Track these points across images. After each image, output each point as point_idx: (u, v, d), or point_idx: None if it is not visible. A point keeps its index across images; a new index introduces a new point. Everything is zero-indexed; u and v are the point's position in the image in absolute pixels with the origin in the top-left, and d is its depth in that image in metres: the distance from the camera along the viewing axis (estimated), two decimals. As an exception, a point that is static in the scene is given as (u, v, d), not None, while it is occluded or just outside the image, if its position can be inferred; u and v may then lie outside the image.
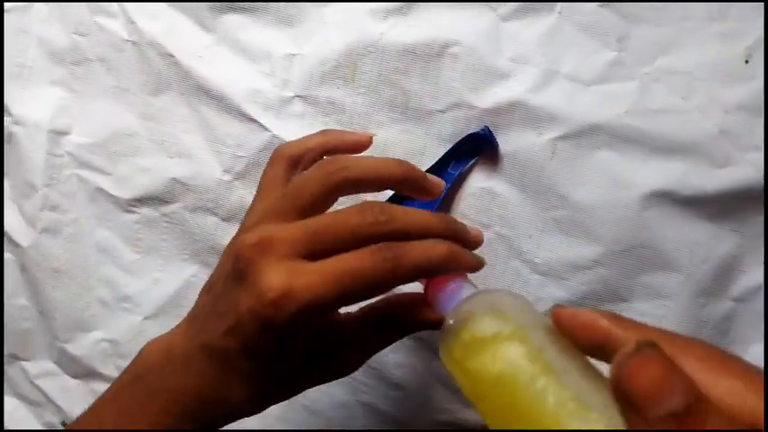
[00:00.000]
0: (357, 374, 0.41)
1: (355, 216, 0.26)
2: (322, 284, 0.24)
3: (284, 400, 0.30)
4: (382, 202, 0.27)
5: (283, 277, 0.24)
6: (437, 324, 0.28)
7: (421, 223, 0.27)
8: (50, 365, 0.45)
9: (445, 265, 0.26)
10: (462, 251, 0.27)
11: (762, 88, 0.35)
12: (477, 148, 0.38)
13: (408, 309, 0.30)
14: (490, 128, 0.38)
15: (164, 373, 0.28)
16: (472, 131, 0.38)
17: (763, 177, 0.35)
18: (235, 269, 0.26)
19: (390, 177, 0.28)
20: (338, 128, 0.40)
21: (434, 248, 0.26)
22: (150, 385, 0.28)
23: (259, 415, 0.42)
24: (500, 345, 0.21)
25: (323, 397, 0.42)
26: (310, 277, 0.24)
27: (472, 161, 0.38)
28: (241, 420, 0.43)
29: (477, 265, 0.28)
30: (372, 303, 0.30)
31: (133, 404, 0.29)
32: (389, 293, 0.29)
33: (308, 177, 0.27)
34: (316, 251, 0.25)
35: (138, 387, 0.29)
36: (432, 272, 0.26)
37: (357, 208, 0.26)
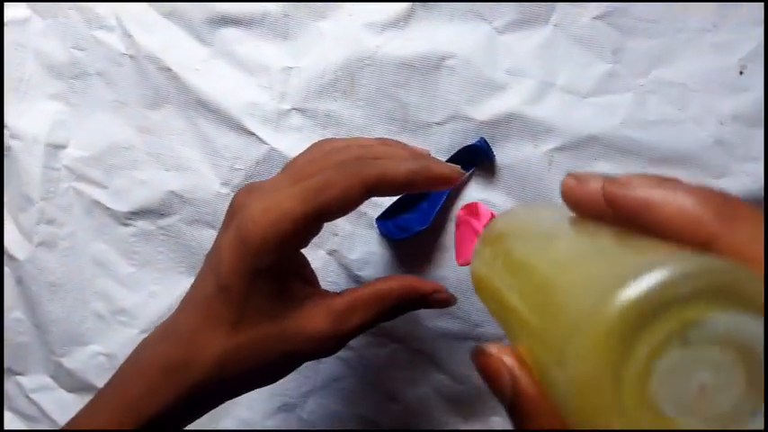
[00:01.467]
0: (354, 387, 0.41)
1: (341, 152, 0.28)
2: (292, 198, 0.26)
3: (254, 380, 0.29)
4: (364, 140, 0.30)
5: (262, 202, 0.26)
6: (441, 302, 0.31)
7: (391, 153, 0.29)
8: (46, 379, 0.45)
9: (413, 174, 0.27)
10: (435, 163, 0.28)
11: (756, 100, 0.35)
12: (474, 160, 0.38)
13: (419, 293, 0.30)
14: (487, 140, 0.38)
15: (139, 350, 0.29)
16: (469, 143, 0.38)
17: (760, 188, 0.35)
18: (227, 215, 0.28)
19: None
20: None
21: (404, 160, 0.27)
22: (124, 365, 0.30)
23: (256, 428, 0.42)
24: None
25: (319, 409, 0.41)
26: (284, 196, 0.26)
27: (469, 172, 0.38)
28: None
29: (450, 175, 0.28)
30: (388, 286, 0.30)
31: (108, 387, 0.29)
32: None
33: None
34: None
35: (116, 373, 0.30)
36: (400, 183, 0.27)
37: (343, 143, 0.29)
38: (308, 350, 0.28)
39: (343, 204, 0.26)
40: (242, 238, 0.26)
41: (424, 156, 0.31)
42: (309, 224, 0.26)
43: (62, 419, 0.44)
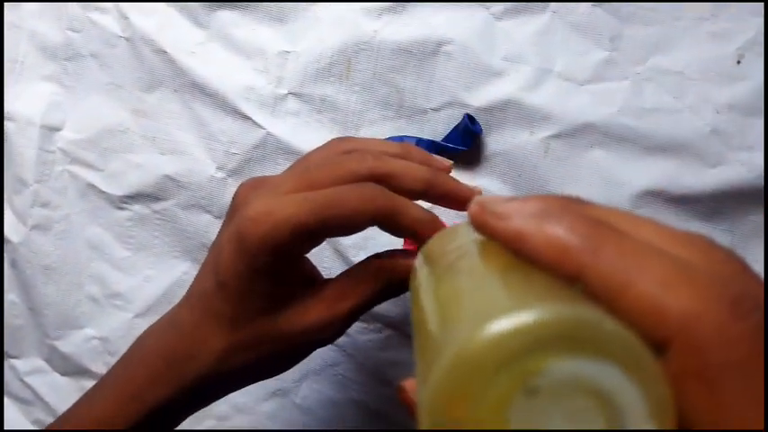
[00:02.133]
0: (348, 372, 0.41)
1: (354, 160, 0.27)
2: (298, 206, 0.25)
3: (257, 373, 0.29)
4: (383, 145, 0.29)
5: (266, 201, 0.25)
6: None
7: (405, 168, 0.28)
8: (40, 363, 0.45)
9: (420, 224, 0.26)
10: (448, 195, 0.28)
11: (753, 89, 0.35)
12: (463, 139, 0.38)
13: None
14: (479, 122, 0.37)
15: (143, 339, 0.29)
16: (452, 127, 0.38)
17: (756, 177, 0.35)
18: (230, 208, 0.28)
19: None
20: (332, 125, 0.40)
21: (417, 210, 0.27)
22: (128, 354, 0.29)
23: (250, 413, 0.42)
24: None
25: (314, 394, 0.42)
26: (290, 201, 0.25)
27: (456, 154, 0.38)
28: (231, 417, 0.43)
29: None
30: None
31: (111, 375, 0.29)
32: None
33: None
34: (311, 189, 0.26)
35: (119, 362, 0.30)
36: (405, 227, 0.26)
37: (360, 145, 0.28)
38: (305, 343, 0.28)
39: (347, 226, 0.26)
40: (241, 235, 0.25)
41: (442, 174, 0.30)
42: (310, 235, 0.26)
43: (56, 403, 0.44)
